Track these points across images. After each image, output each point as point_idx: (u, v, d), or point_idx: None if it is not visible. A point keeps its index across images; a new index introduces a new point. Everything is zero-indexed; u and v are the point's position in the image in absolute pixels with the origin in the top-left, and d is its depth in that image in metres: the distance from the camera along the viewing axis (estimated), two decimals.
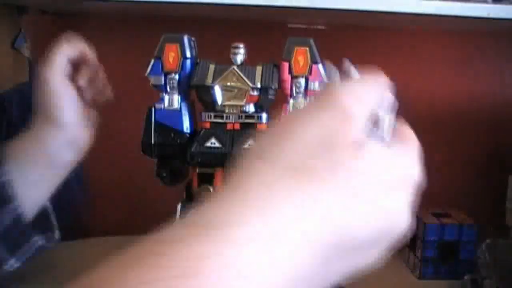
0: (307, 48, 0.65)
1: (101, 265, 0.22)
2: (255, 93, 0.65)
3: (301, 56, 0.65)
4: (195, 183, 0.67)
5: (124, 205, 1.16)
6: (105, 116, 0.73)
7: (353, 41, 1.10)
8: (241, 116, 0.66)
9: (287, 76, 0.65)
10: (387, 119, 0.33)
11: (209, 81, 0.66)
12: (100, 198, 1.07)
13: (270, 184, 0.25)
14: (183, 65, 0.67)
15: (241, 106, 0.65)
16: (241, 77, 0.65)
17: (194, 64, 0.68)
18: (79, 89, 0.69)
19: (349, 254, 0.28)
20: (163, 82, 0.67)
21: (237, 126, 0.66)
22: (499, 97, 1.12)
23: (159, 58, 0.67)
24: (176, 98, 0.67)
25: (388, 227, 0.29)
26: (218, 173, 0.65)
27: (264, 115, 0.66)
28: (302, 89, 0.65)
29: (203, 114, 0.67)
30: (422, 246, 0.96)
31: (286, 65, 0.65)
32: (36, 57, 1.06)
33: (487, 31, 1.09)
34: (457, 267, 0.97)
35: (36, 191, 0.67)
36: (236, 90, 0.65)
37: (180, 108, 0.68)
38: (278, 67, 0.66)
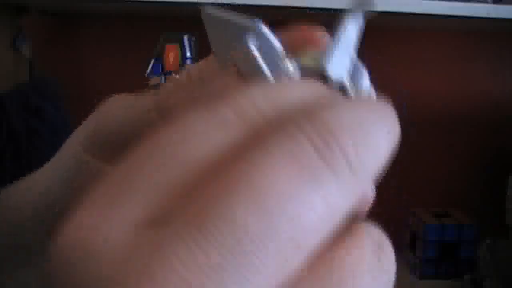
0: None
1: None
2: None
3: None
4: None
5: None
6: None
7: None
8: None
9: None
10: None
11: None
12: None
13: None
14: (183, 65, 0.67)
15: None
16: None
17: None
18: None
19: None
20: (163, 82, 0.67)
21: None
22: (499, 97, 1.12)
23: (159, 58, 0.67)
24: None
25: None
26: None
27: None
28: None
29: None
30: (422, 246, 0.96)
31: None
32: (36, 57, 1.06)
33: (487, 31, 1.09)
34: (457, 267, 0.97)
35: None
36: None
37: None
38: None
